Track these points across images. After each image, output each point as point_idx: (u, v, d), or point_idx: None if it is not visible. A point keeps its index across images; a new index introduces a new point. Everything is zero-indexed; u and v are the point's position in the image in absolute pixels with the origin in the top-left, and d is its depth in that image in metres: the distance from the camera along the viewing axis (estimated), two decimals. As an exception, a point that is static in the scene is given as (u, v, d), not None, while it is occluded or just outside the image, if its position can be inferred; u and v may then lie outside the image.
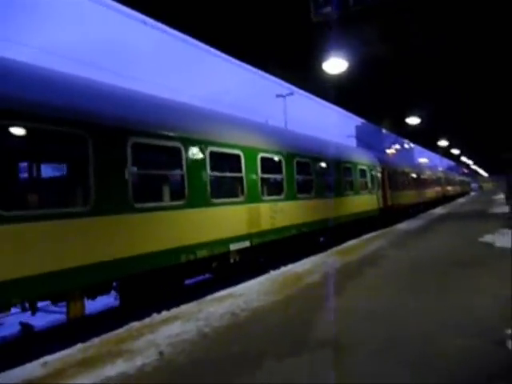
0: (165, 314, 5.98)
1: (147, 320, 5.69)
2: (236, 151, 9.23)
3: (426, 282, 6.94)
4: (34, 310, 6.06)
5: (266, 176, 10.32)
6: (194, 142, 8.04)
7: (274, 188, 11.01)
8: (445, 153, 40.06)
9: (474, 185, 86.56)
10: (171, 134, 7.64)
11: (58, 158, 8.11)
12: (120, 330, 5.29)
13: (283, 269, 9.14)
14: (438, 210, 27.11)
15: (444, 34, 9.36)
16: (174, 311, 6.08)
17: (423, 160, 72.43)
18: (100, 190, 6.20)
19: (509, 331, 4.22)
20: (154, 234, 7.05)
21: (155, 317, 5.84)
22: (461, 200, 42.97)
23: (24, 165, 7.55)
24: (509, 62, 11.06)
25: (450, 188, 46.20)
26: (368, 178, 17.90)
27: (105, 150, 6.39)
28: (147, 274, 6.94)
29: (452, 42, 9.83)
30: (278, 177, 11.07)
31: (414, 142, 37.10)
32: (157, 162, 8.05)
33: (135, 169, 7.07)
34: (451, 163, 69.08)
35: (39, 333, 7.65)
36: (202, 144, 8.23)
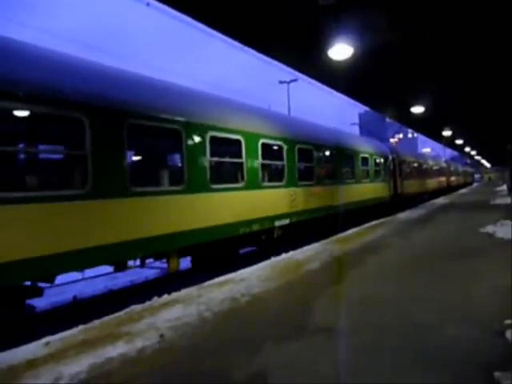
0: (165, 297, 6.02)
1: (148, 303, 5.73)
2: (281, 144, 11.00)
3: (427, 271, 6.96)
4: (143, 266, 7.94)
5: (301, 164, 12.02)
6: (251, 137, 9.72)
7: (307, 175, 12.46)
8: (448, 143, 39.84)
9: (477, 176, 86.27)
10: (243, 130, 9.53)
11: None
12: (120, 313, 5.34)
13: (284, 255, 9.17)
14: (440, 200, 27.09)
15: (451, 22, 9.21)
16: (175, 295, 6.12)
17: (426, 150, 72.11)
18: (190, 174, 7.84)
19: (508, 321, 4.23)
20: (223, 209, 8.63)
21: (156, 300, 5.88)
22: (463, 190, 42.90)
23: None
24: (517, 52, 10.91)
25: (453, 178, 46.60)
26: (381, 168, 19.44)
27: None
28: (215, 243, 8.41)
29: (459, 30, 9.68)
30: (310, 165, 12.69)
31: (417, 132, 36.87)
32: (227, 153, 9.55)
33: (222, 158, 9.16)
34: (454, 153, 68.77)
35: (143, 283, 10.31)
36: (256, 137, 9.92)
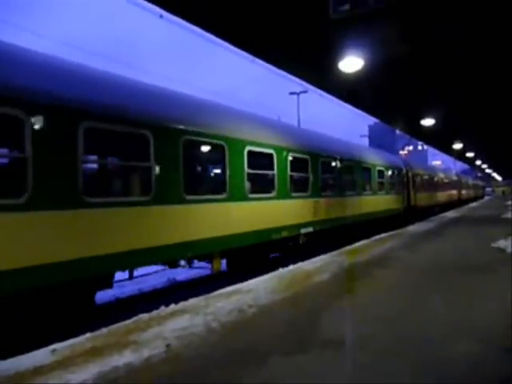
0: (173, 307, 6.01)
1: (155, 312, 5.73)
2: (306, 158, 11.78)
3: (436, 286, 6.88)
4: (190, 265, 8.72)
5: (324, 176, 12.87)
6: (282, 151, 10.49)
7: (329, 186, 13.32)
8: (459, 156, 39.58)
9: (488, 189, 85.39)
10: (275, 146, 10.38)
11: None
12: (128, 322, 5.34)
13: (292, 267, 9.13)
14: (451, 214, 26.84)
15: (462, 35, 9.23)
16: (182, 305, 6.11)
17: (437, 162, 71.64)
18: (231, 184, 8.65)
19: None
20: (258, 217, 9.47)
21: (163, 309, 5.88)
22: (474, 204, 42.46)
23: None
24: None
25: (464, 192, 46.53)
26: (396, 180, 20.16)
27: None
28: (251, 248, 9.16)
29: (469, 44, 9.69)
30: (331, 177, 13.58)
31: (427, 144, 36.73)
32: (261, 165, 10.03)
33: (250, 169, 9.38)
34: (465, 166, 68.27)
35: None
36: (286, 151, 10.72)
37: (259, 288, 6.99)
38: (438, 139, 26.55)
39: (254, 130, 9.90)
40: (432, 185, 28.24)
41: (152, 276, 11.76)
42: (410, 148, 73.73)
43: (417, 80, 12.59)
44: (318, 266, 9.02)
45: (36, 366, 3.95)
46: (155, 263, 7.84)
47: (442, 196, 31.59)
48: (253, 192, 9.38)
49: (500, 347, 4.08)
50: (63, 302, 5.93)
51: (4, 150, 6.68)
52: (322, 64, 10.49)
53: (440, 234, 14.80)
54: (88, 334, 4.85)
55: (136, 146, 7.32)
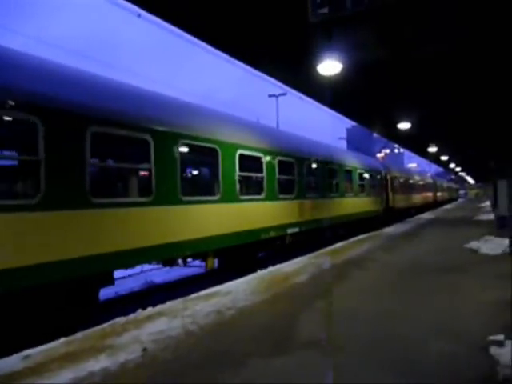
0: (150, 309, 5.93)
1: (132, 316, 5.64)
2: (292, 161, 12.28)
3: (411, 286, 7.00)
4: (185, 264, 8.81)
5: (308, 179, 13.37)
6: (270, 155, 11.04)
7: (313, 188, 13.81)
8: (434, 159, 40.43)
9: (461, 191, 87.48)
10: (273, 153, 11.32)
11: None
12: (104, 325, 5.24)
13: (271, 268, 9.14)
14: (426, 216, 27.39)
15: (438, 40, 9.42)
16: (160, 307, 6.04)
17: (412, 165, 72.96)
18: (224, 186, 9.03)
19: (491, 337, 4.26)
20: (249, 217, 9.89)
21: (140, 313, 5.79)
22: (448, 206, 43.45)
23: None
24: (500, 72, 11.18)
25: (439, 194, 47.74)
26: (376, 183, 20.95)
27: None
28: (240, 246, 9.51)
29: (445, 49, 9.90)
30: (315, 180, 14.10)
31: (404, 147, 37.39)
32: (250, 169, 10.35)
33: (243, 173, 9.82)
34: (439, 169, 69.75)
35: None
36: (274, 156, 11.23)
37: (238, 290, 6.97)
38: (414, 142, 27.02)
39: (245, 135, 10.31)
40: (409, 187, 29.20)
41: (130, 279, 11.61)
42: (387, 151, 74.81)
43: (394, 84, 12.78)
44: (297, 267, 9.06)
45: (6, 372, 3.83)
46: (156, 261, 8.09)
47: (418, 198, 32.68)
48: (243, 194, 9.85)
49: (473, 345, 4.17)
50: (69, 298, 6.13)
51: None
52: (301, 66, 10.53)
53: (415, 236, 15.08)
54: (62, 339, 4.73)
55: (137, 149, 7.72)
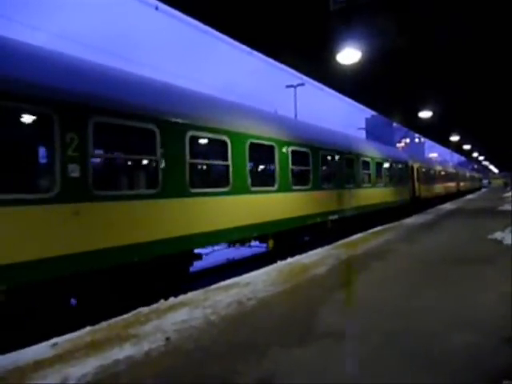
0: (172, 300, 6.03)
1: (154, 306, 5.74)
2: (334, 155, 14.07)
3: (433, 278, 6.92)
4: (249, 245, 10.53)
5: (346, 171, 15.02)
6: (315, 150, 12.65)
7: (351, 179, 15.40)
8: (456, 148, 39.65)
9: (484, 181, 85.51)
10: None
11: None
12: (128, 315, 5.35)
13: (290, 260, 9.15)
14: (447, 206, 26.93)
15: (460, 26, 9.19)
16: (181, 298, 6.13)
17: (434, 155, 71.70)
18: (281, 177, 10.61)
19: (516, 329, 4.19)
20: (300, 205, 11.50)
21: (162, 303, 5.89)
22: (471, 196, 42.61)
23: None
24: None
25: (462, 184, 47.94)
26: (404, 174, 22.46)
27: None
28: (293, 231, 11.12)
29: (468, 34, 9.65)
30: (352, 171, 15.62)
31: (425, 137, 36.75)
32: (300, 162, 11.83)
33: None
34: (462, 158, 68.34)
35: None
36: (318, 150, 12.91)
37: (258, 281, 7.01)
38: (436, 131, 26.55)
39: (296, 133, 12.01)
40: (434, 177, 30.12)
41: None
42: (407, 140, 73.66)
43: (415, 72, 12.55)
44: (316, 259, 9.05)
45: (36, 359, 3.96)
46: (235, 241, 9.68)
47: (442, 188, 33.47)
48: (295, 184, 11.35)
49: (499, 337, 4.11)
50: (171, 270, 7.59)
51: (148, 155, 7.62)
52: (321, 56, 10.44)
53: (437, 227, 14.86)
54: (88, 328, 4.86)
55: (218, 147, 8.93)
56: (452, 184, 39.53)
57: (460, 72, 12.52)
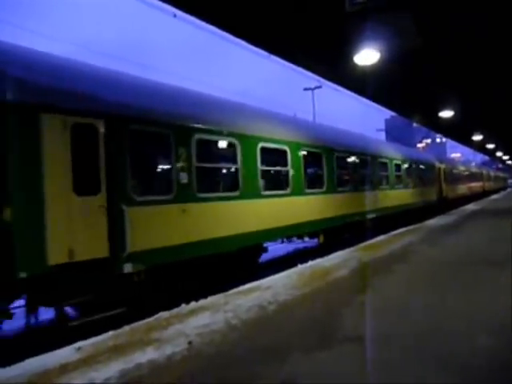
0: (193, 304, 6.05)
1: (176, 310, 5.77)
2: (368, 159, 15.57)
3: (456, 281, 6.76)
4: (302, 239, 12.52)
5: (381, 173, 16.65)
6: (377, 157, 16.00)
7: (384, 180, 16.97)
8: (479, 147, 38.84)
9: (510, 181, 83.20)
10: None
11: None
12: (150, 319, 5.40)
13: (311, 263, 9.09)
14: (471, 207, 26.35)
15: (480, 24, 9.03)
16: (202, 302, 6.15)
17: (456, 155, 70.40)
18: (329, 180, 12.38)
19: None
20: (343, 204, 13.12)
21: (184, 307, 5.92)
22: (495, 196, 41.57)
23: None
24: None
25: (487, 183, 47.69)
26: (431, 175, 23.75)
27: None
28: (335, 228, 12.52)
29: (488, 31, 9.47)
30: (388, 174, 17.33)
31: (446, 136, 36.15)
32: (345, 167, 14.01)
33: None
34: (485, 158, 66.86)
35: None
36: (367, 156, 15.41)
37: (278, 284, 6.98)
38: (457, 131, 26.08)
39: (340, 140, 14.02)
40: (459, 178, 31.08)
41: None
42: (428, 141, 72.49)
43: (434, 71, 12.37)
44: (337, 261, 8.97)
45: (62, 363, 4.03)
46: (291, 236, 11.49)
47: (468, 188, 34.11)
48: (340, 186, 13.07)
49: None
50: (246, 260, 9.13)
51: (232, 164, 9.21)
52: (338, 58, 10.38)
53: (460, 228, 14.54)
54: (111, 332, 4.92)
55: (280, 155, 10.42)
56: (477, 184, 39.62)
57: (481, 70, 12.27)
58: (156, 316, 5.51)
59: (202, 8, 7.96)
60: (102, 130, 6.12)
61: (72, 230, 5.71)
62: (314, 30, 8.71)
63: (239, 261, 8.82)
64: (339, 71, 11.97)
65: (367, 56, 8.44)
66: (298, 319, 5.17)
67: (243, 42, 9.75)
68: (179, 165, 7.35)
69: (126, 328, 5.08)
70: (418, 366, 3.64)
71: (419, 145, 64.66)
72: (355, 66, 9.43)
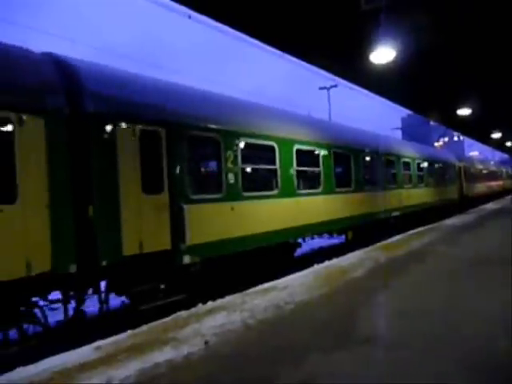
0: (210, 304, 6.07)
1: (193, 310, 5.81)
2: (394, 159, 16.52)
3: (475, 281, 6.64)
4: (332, 236, 13.34)
5: (406, 172, 17.50)
6: (401, 158, 16.99)
7: (408, 179, 17.83)
8: (498, 145, 38.12)
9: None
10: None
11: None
12: (167, 319, 5.44)
13: (327, 263, 9.05)
14: (489, 206, 25.88)
15: (496, 22, 8.85)
16: (219, 302, 6.17)
17: (474, 153, 69.19)
18: (357, 179, 13.27)
19: None
20: (370, 203, 14.00)
21: (201, 307, 5.95)
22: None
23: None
24: None
25: (507, 182, 47.54)
26: (453, 174, 24.43)
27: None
28: (362, 225, 13.39)
29: (505, 29, 9.28)
30: (411, 173, 18.12)
31: (464, 134, 35.59)
32: (370, 167, 14.78)
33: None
34: (504, 156, 65.50)
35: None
36: (393, 156, 16.44)
37: (295, 284, 6.97)
38: (475, 129, 25.63)
39: (387, 144, 15.91)
40: (479, 176, 31.46)
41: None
42: (446, 139, 71.35)
43: (452, 69, 12.17)
44: (354, 261, 8.91)
45: (81, 362, 4.08)
46: (322, 233, 12.07)
47: (488, 186, 34.53)
48: (367, 184, 13.90)
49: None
50: (283, 254, 10.03)
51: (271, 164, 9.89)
52: (354, 57, 10.29)
53: (479, 228, 14.30)
54: (129, 332, 4.97)
55: (314, 157, 11.20)
56: (497, 183, 39.73)
57: (499, 66, 12.04)
58: (173, 316, 5.55)
59: (216, 8, 7.98)
60: (164, 136, 6.92)
61: (141, 224, 6.49)
62: (328, 28, 8.65)
63: (278, 255, 9.66)
64: (355, 70, 11.86)
65: (383, 54, 8.33)
66: (315, 319, 5.14)
67: (257, 42, 9.74)
68: (227, 166, 8.17)
69: (144, 327, 5.12)
70: (438, 368, 3.58)
71: (436, 143, 63.71)
72: (371, 64, 9.32)
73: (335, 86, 34.31)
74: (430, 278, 7.06)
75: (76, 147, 5.91)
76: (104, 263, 5.99)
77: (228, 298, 6.32)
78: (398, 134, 73.05)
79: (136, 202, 6.46)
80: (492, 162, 47.96)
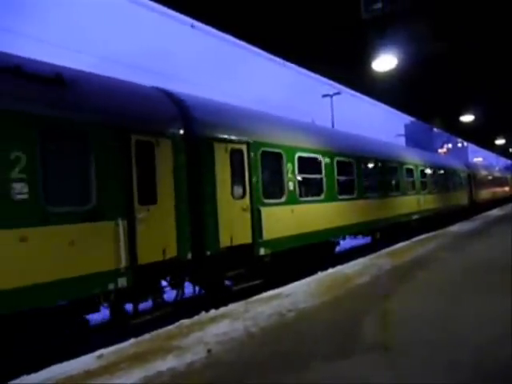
0: (213, 312, 6.07)
1: (196, 318, 5.80)
2: (412, 168, 17.99)
3: (480, 289, 6.59)
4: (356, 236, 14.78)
5: (423, 180, 19.06)
6: (419, 166, 18.79)
7: (425, 187, 19.35)
8: (502, 151, 38.05)
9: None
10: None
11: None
12: (170, 327, 5.43)
13: (331, 270, 9.02)
14: (494, 212, 25.73)
15: (498, 28, 8.89)
16: (222, 310, 6.16)
17: (478, 159, 69.02)
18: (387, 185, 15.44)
19: None
20: (393, 207, 15.60)
21: (204, 315, 5.94)
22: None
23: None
24: None
25: None
26: (463, 181, 25.74)
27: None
28: (388, 226, 15.01)
29: (507, 36, 9.31)
30: (426, 180, 19.55)
31: (467, 141, 35.58)
32: (391, 174, 16.16)
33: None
34: (508, 162, 65.30)
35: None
36: (419, 166, 18.75)
37: (298, 292, 6.95)
38: (479, 135, 25.65)
39: (405, 156, 17.87)
40: (488, 183, 32.54)
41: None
42: (450, 146, 71.33)
43: (453, 76, 12.21)
44: (358, 269, 8.87)
45: (85, 370, 4.08)
46: (357, 234, 14.00)
47: (496, 192, 35.39)
48: (391, 191, 15.54)
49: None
50: (326, 251, 11.70)
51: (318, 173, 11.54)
52: (356, 65, 10.35)
53: (483, 235, 14.19)
54: (132, 340, 4.96)
55: (350, 167, 12.82)
56: (503, 189, 40.30)
57: (501, 73, 12.06)
58: (176, 324, 5.54)
59: (218, 18, 8.06)
60: (245, 152, 8.59)
61: (231, 222, 8.09)
62: (332, 37, 8.72)
63: (323, 251, 11.36)
64: (357, 77, 11.93)
65: (384, 62, 8.39)
66: (319, 327, 5.12)
67: (259, 50, 9.82)
68: (288, 176, 9.90)
69: (147, 336, 5.12)
70: (440, 376, 3.56)
71: (440, 150, 63.65)
72: (373, 72, 9.38)
73: (338, 93, 34.30)
74: (434, 286, 7.02)
75: (189, 162, 7.47)
76: (208, 253, 7.57)
77: (231, 306, 6.31)
78: (402, 140, 73.01)
79: (228, 205, 8.07)
80: (497, 168, 47.85)
